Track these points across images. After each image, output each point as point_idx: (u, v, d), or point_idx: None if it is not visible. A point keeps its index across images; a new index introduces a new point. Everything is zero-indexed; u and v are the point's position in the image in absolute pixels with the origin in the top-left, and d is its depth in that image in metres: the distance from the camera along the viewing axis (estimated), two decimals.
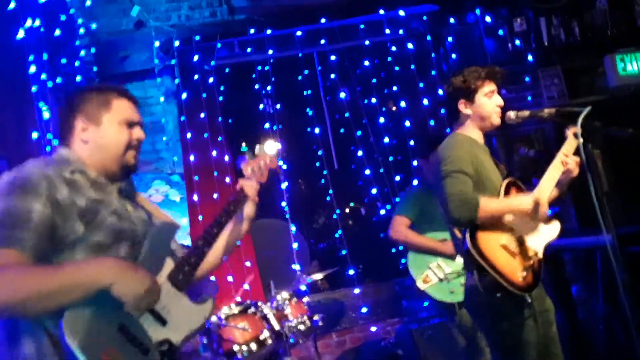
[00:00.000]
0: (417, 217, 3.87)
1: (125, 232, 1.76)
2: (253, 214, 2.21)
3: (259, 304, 3.81)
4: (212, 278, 4.32)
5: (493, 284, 2.43)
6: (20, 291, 1.46)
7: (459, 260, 3.59)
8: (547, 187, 2.63)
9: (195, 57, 4.99)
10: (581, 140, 2.43)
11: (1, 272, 1.48)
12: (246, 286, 4.39)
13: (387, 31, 5.33)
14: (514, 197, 2.59)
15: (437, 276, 3.70)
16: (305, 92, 5.45)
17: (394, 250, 5.50)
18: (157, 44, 4.88)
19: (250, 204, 2.19)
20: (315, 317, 3.89)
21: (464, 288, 3.38)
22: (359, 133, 5.43)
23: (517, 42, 5.12)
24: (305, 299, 4.02)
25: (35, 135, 3.78)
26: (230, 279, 4.75)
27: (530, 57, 5.18)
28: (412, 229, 3.86)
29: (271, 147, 2.32)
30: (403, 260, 5.40)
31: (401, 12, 5.27)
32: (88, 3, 4.69)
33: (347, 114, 5.41)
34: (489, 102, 2.66)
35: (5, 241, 1.52)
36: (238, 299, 4.59)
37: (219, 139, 5.06)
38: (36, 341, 1.55)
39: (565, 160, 2.65)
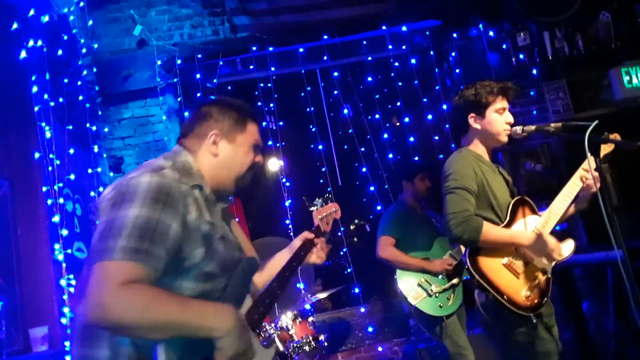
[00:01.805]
0: (401, 237, 4.03)
1: (228, 261, 1.70)
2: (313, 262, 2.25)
3: (263, 324, 3.74)
4: None
5: (494, 303, 2.39)
6: (150, 316, 1.38)
7: (442, 277, 3.88)
8: (561, 203, 2.58)
9: (198, 75, 4.99)
10: (589, 154, 2.38)
11: (137, 291, 1.39)
12: None
13: (390, 47, 5.33)
14: (518, 232, 2.52)
15: (426, 292, 3.83)
16: (308, 109, 5.44)
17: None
18: (159, 62, 4.89)
19: (314, 256, 2.22)
20: (321, 337, 3.83)
21: (450, 302, 3.76)
22: (362, 149, 5.39)
23: (521, 56, 5.10)
24: (310, 319, 3.95)
25: (37, 155, 3.77)
26: None
27: (534, 71, 5.16)
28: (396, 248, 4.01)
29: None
30: None
31: (404, 28, 5.27)
32: (90, 23, 4.71)
33: (350, 130, 5.39)
34: (499, 118, 2.61)
35: (141, 255, 1.43)
36: None
37: None
38: (117, 348, 1.50)
39: (584, 176, 2.59)
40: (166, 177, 1.59)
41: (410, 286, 3.88)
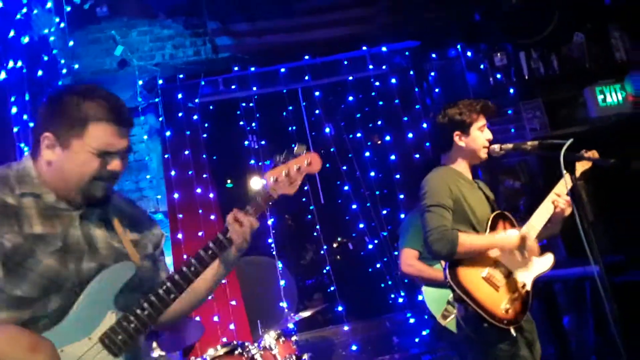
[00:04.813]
0: (424, 247, 3.71)
1: (60, 280, 1.50)
2: (233, 263, 1.79)
3: (246, 344, 3.71)
4: (197, 318, 4.23)
5: (474, 316, 2.42)
6: None
7: None
8: (537, 222, 2.64)
9: (179, 95, 5.00)
10: (565, 171, 2.44)
11: None
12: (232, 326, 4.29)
13: (371, 67, 5.41)
14: (496, 234, 2.58)
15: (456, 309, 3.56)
16: (290, 128, 5.47)
17: (383, 285, 5.45)
18: (140, 82, 4.89)
19: (233, 251, 1.74)
20: (304, 357, 3.80)
21: None
22: (344, 167, 5.43)
23: (499, 75, 5.22)
24: (294, 338, 3.92)
25: None
26: (216, 319, 4.65)
27: (511, 90, 5.27)
28: (421, 260, 3.67)
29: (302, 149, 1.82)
30: (392, 295, 5.37)
31: (384, 48, 5.35)
32: (71, 43, 4.70)
33: (332, 149, 5.43)
34: (480, 135, 2.69)
35: None
36: (224, 339, 4.48)
37: (204, 176, 5.04)
38: None
39: (555, 200, 2.66)
40: None
41: (438, 303, 3.48)
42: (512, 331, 2.43)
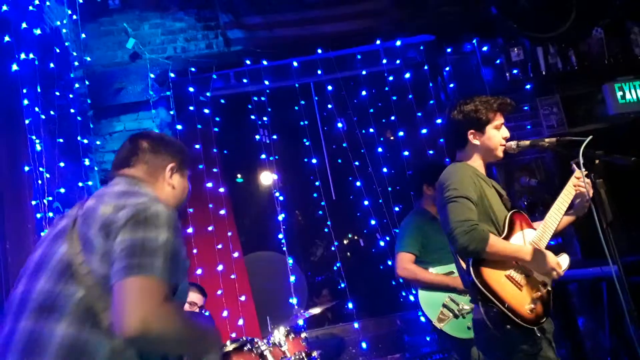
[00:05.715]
0: (421, 251, 3.72)
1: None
2: None
3: (255, 340, 3.69)
4: (207, 313, 4.21)
5: (500, 316, 2.33)
6: (182, 333, 1.56)
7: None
8: (553, 220, 2.56)
9: (191, 89, 4.98)
10: (582, 169, 2.38)
11: (176, 309, 1.57)
12: (241, 321, 4.28)
13: (384, 61, 5.34)
14: (521, 246, 2.48)
15: (452, 312, 3.51)
16: (302, 123, 5.43)
17: (394, 282, 5.39)
18: (152, 75, 4.87)
19: None
20: (314, 354, 3.76)
21: None
22: (356, 163, 5.37)
23: (515, 71, 5.12)
24: (303, 335, 3.89)
25: (27, 168, 3.73)
26: (225, 314, 4.64)
27: (528, 86, 5.18)
28: (417, 264, 3.70)
29: None
30: (404, 293, 5.32)
31: (398, 42, 5.28)
32: (83, 36, 4.69)
33: (344, 144, 5.37)
34: (497, 134, 2.60)
35: (168, 275, 1.56)
36: (233, 335, 4.47)
37: (214, 170, 5.01)
38: None
39: (577, 184, 2.57)
40: (160, 202, 1.71)
41: (434, 307, 3.51)
42: (537, 332, 2.35)
